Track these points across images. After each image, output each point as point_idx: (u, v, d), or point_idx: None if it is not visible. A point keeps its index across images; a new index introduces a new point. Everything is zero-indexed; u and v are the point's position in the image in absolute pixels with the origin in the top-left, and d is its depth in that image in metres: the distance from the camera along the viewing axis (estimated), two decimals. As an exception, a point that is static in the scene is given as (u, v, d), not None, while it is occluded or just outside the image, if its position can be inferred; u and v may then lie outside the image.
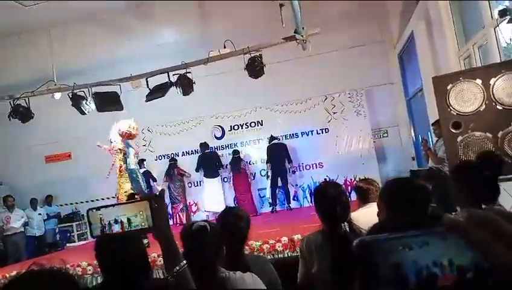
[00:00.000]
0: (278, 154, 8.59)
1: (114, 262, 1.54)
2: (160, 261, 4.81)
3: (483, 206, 2.31)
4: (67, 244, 9.29)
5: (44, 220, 9.51)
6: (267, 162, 8.73)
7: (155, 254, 4.83)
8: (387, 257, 0.70)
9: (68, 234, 9.82)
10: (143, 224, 1.34)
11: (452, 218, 0.73)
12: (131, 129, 5.71)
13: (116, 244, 1.46)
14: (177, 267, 1.34)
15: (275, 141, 8.77)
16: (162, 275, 4.48)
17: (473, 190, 2.14)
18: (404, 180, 2.04)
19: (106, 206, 1.37)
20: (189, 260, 1.38)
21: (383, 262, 0.70)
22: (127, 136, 5.75)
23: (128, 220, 1.37)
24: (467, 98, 3.72)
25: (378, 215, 1.79)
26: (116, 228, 1.35)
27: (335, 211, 2.20)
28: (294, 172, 8.85)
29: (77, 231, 9.86)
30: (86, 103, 6.66)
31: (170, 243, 1.37)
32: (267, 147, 8.79)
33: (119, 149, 5.81)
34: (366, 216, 2.99)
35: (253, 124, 9.53)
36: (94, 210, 1.36)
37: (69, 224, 9.89)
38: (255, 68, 6.11)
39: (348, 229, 2.13)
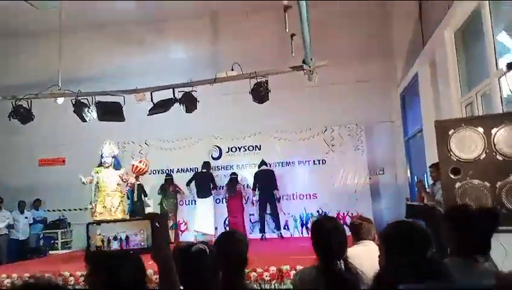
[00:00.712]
0: (265, 181, 8.59)
1: (108, 282, 1.49)
2: (156, 278, 4.70)
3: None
4: (50, 252, 9.11)
5: (30, 225, 9.35)
6: (253, 189, 8.73)
7: (151, 270, 4.75)
8: None
9: (52, 241, 9.64)
10: (142, 243, 1.31)
11: (506, 274, 0.71)
12: (144, 166, 5.88)
13: (112, 263, 1.42)
14: None
15: (263, 167, 8.77)
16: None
17: (466, 239, 2.12)
18: (405, 223, 2.02)
19: (107, 222, 1.34)
20: (185, 281, 1.35)
21: None
22: (138, 172, 5.92)
23: (127, 238, 1.34)
24: (467, 145, 3.75)
25: (379, 257, 1.77)
26: (115, 245, 1.32)
27: (331, 248, 2.17)
28: (279, 200, 8.73)
29: (62, 238, 9.69)
30: (88, 111, 6.66)
31: (168, 267, 1.35)
32: (255, 173, 8.79)
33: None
34: (359, 255, 2.98)
35: (251, 148, 9.53)
36: (95, 225, 1.33)
37: (54, 231, 9.73)
38: (260, 93, 6.16)
39: (343, 267, 2.10)
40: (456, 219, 2.28)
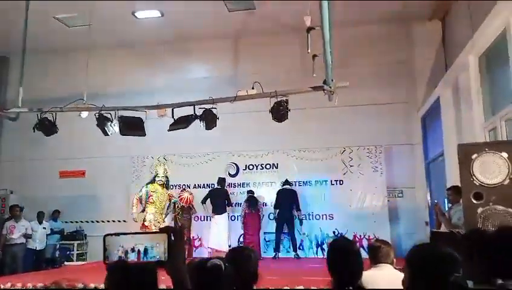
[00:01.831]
0: (286, 200, 8.54)
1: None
2: None
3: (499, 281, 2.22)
4: (66, 263, 9.17)
5: (48, 235, 9.47)
6: (274, 207, 8.67)
7: (164, 286, 4.74)
8: None
9: (68, 252, 9.72)
10: (158, 257, 1.31)
11: None
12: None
13: (130, 274, 1.43)
14: None
15: (286, 186, 8.72)
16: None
17: (484, 262, 2.06)
18: (429, 246, 1.98)
19: (125, 234, 1.35)
20: None
21: None
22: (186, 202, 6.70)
23: (145, 250, 1.34)
24: (491, 170, 3.69)
25: (403, 281, 1.74)
26: (132, 257, 1.32)
27: (346, 271, 2.13)
28: (301, 221, 8.67)
29: (77, 250, 9.76)
30: (110, 125, 6.79)
31: (182, 282, 1.34)
32: (277, 191, 8.74)
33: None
34: (374, 278, 2.92)
35: (268, 166, 9.52)
36: (113, 235, 1.34)
37: (70, 242, 9.80)
38: (279, 112, 6.19)
39: None
40: (473, 241, 2.23)
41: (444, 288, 1.44)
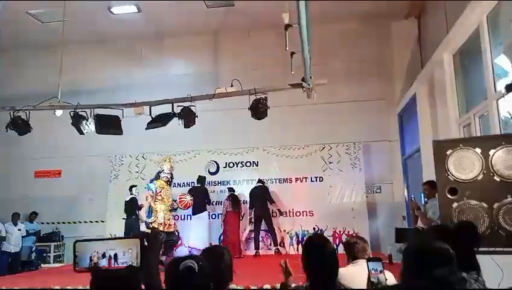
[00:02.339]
0: (259, 198, 8.61)
1: None
2: None
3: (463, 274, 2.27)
4: (42, 265, 8.97)
5: (23, 237, 9.22)
6: (250, 208, 8.74)
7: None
8: None
9: (44, 254, 9.49)
10: (131, 262, 1.27)
11: None
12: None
13: (115, 281, 1.38)
14: None
15: (258, 184, 8.77)
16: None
17: None
18: (428, 243, 1.98)
19: (96, 240, 1.31)
20: None
21: None
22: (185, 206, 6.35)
23: (115, 256, 1.31)
24: (465, 166, 3.75)
25: (401, 274, 1.75)
26: (103, 263, 1.28)
27: (321, 270, 2.13)
28: (280, 212, 8.73)
29: (54, 252, 9.54)
30: (86, 123, 6.64)
31: (154, 287, 1.32)
32: (250, 192, 8.83)
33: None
34: (351, 274, 2.95)
35: (248, 164, 9.51)
36: (83, 242, 1.30)
37: (47, 244, 9.58)
38: (259, 110, 6.17)
39: None
40: (437, 236, 2.27)
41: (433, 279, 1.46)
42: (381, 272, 2.12)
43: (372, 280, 2.11)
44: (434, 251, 1.63)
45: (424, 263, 1.59)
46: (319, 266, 2.10)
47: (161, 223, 5.50)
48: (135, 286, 1.40)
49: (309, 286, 2.16)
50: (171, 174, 5.95)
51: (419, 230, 5.14)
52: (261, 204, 8.59)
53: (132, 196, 8.90)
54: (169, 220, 5.71)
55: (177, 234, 6.07)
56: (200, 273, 1.59)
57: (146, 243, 1.20)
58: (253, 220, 8.70)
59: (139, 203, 8.75)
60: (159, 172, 5.94)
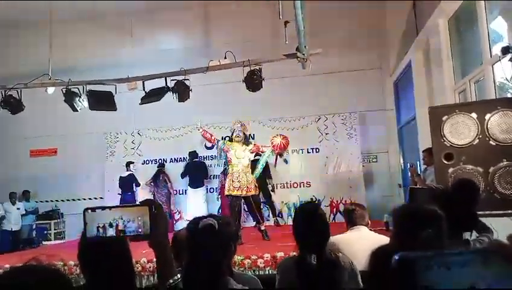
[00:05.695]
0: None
1: (95, 267, 1.44)
2: (149, 267, 4.74)
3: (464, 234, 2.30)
4: (44, 242, 9.06)
5: (22, 215, 9.29)
6: None
7: (145, 259, 4.78)
8: (423, 275, 0.67)
9: (45, 232, 9.59)
10: (139, 230, 1.28)
11: (498, 242, 0.72)
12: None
13: (99, 249, 1.38)
14: (171, 281, 1.29)
15: (255, 157, 8.75)
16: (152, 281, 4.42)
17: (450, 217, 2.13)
18: (416, 206, 1.98)
19: (103, 208, 1.31)
20: (195, 263, 1.32)
21: (421, 281, 0.67)
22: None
23: (124, 224, 1.30)
24: (461, 131, 3.77)
25: (390, 237, 1.77)
26: (110, 232, 1.28)
27: (308, 237, 2.09)
28: (273, 188, 8.66)
29: (54, 229, 9.65)
30: (79, 100, 6.57)
31: (165, 254, 1.33)
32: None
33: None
34: (351, 240, 2.99)
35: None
36: (90, 211, 1.29)
37: (47, 221, 9.68)
38: (253, 81, 6.11)
39: (317, 260, 1.99)
40: (437, 198, 2.28)
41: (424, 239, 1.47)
42: None
43: None
44: (419, 213, 1.63)
45: (408, 225, 1.60)
46: (308, 229, 2.09)
47: (236, 187, 5.51)
48: (124, 252, 1.41)
49: (298, 251, 2.15)
50: (244, 134, 5.89)
51: (433, 189, 5.17)
52: (258, 177, 8.60)
53: (130, 172, 8.93)
54: (246, 186, 5.66)
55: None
56: (221, 230, 1.55)
57: (155, 211, 1.20)
58: None
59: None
60: (232, 132, 5.90)
